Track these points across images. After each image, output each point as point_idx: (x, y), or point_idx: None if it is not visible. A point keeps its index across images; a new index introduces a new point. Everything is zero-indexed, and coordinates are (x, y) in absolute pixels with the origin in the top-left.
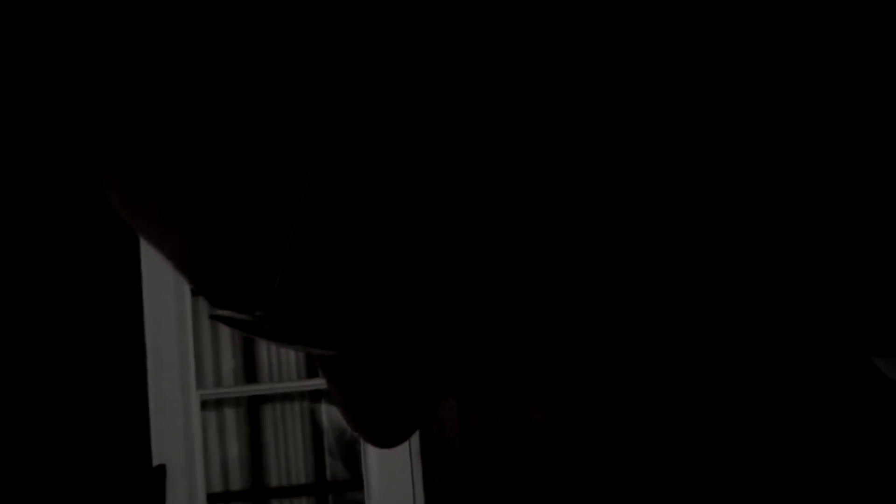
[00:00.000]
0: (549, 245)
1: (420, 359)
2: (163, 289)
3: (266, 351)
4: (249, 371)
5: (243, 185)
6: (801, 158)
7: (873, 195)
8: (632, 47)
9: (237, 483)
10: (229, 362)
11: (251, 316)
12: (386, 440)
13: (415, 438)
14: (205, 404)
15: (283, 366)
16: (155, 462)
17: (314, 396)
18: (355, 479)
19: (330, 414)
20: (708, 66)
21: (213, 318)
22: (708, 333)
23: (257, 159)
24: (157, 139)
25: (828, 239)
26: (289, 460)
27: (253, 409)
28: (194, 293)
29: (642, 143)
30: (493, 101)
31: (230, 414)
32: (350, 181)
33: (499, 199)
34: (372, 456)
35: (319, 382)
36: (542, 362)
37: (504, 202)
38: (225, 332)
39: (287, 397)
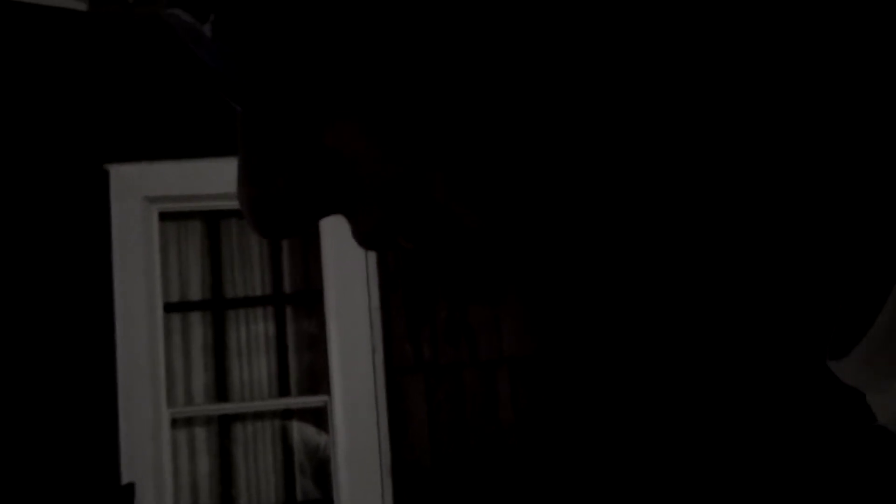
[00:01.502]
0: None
1: (318, 151)
2: (134, 305)
3: (238, 368)
4: (221, 389)
5: None
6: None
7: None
8: (633, 48)
9: (207, 502)
10: (200, 379)
11: (197, 20)
12: (268, 226)
13: (386, 457)
14: (175, 422)
15: (254, 384)
16: (124, 480)
17: (285, 415)
18: (326, 498)
19: (302, 432)
20: (708, 67)
21: (166, 16)
22: (675, 332)
23: None
24: None
25: (785, 246)
26: (259, 479)
27: (224, 427)
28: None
29: (641, 142)
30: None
31: (200, 432)
32: None
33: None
34: (343, 475)
35: (291, 402)
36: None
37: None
38: (197, 348)
39: (258, 416)
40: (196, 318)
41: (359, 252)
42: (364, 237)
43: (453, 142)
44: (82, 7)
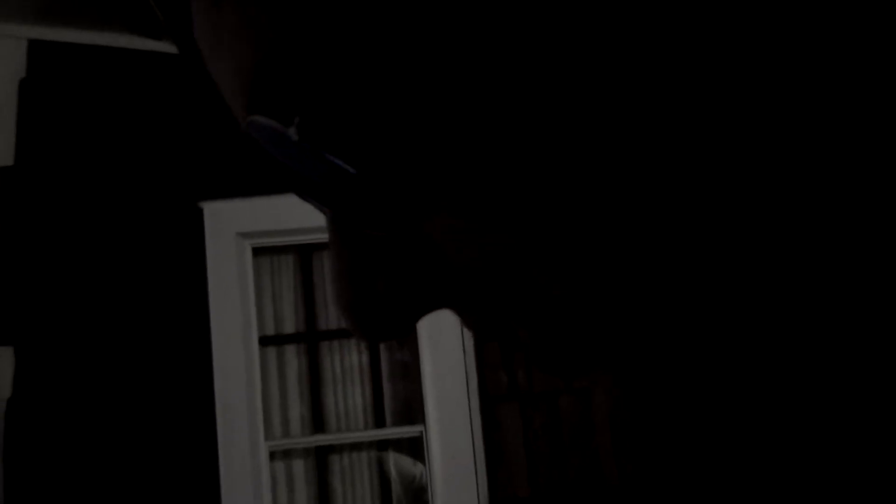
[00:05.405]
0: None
1: (420, 250)
2: (231, 339)
3: (333, 399)
4: (317, 420)
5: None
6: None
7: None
8: (632, 47)
9: None
10: (297, 410)
11: (284, 125)
12: (371, 329)
13: (483, 487)
14: (273, 455)
15: (350, 414)
16: None
17: (381, 445)
18: None
19: (398, 463)
20: (708, 67)
21: (246, 125)
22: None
23: None
24: None
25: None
26: None
27: (321, 458)
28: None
29: (641, 143)
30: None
31: (298, 464)
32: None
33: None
34: None
35: (386, 432)
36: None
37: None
38: (293, 380)
39: (354, 447)
40: (291, 351)
41: None
42: (475, 328)
43: (548, 214)
44: (174, 50)
